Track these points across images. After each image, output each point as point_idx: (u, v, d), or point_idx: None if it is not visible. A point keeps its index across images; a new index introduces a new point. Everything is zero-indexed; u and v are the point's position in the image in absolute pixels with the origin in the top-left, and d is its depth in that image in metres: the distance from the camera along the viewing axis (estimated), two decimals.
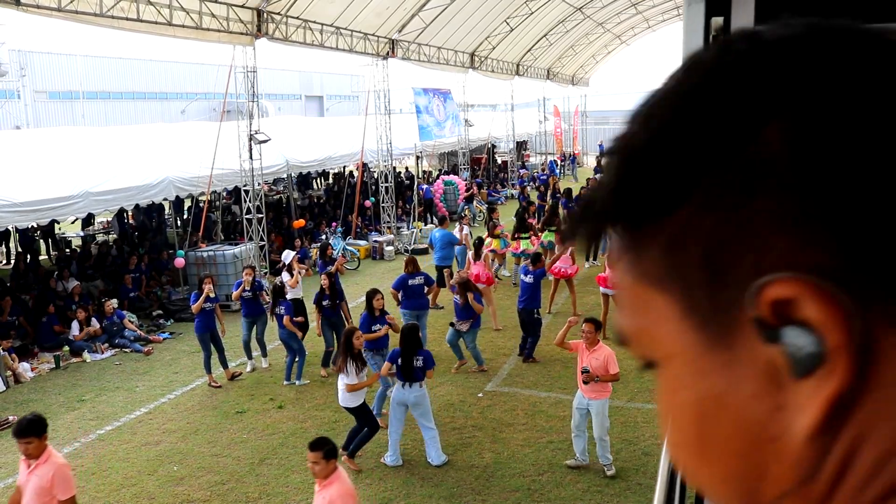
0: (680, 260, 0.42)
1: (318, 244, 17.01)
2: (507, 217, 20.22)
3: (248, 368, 11.82)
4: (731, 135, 0.40)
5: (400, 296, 11.51)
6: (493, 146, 35.33)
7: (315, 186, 31.05)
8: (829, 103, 0.38)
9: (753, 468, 0.42)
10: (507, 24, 25.14)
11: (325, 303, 11.37)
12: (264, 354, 12.08)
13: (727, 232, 0.40)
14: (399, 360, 8.31)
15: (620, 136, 0.46)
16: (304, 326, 11.73)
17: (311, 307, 12.09)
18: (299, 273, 12.67)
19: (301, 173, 22.91)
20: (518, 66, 30.55)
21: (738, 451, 0.42)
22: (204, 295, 11.08)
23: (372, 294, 10.01)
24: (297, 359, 11.18)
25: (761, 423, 0.41)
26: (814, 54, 0.40)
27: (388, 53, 20.62)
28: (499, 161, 37.91)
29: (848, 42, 0.41)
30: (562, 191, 22.15)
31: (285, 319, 10.92)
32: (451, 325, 11.17)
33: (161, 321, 14.91)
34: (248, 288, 11.71)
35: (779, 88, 0.40)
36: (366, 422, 8.41)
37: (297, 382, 11.06)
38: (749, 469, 0.42)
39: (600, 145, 42.53)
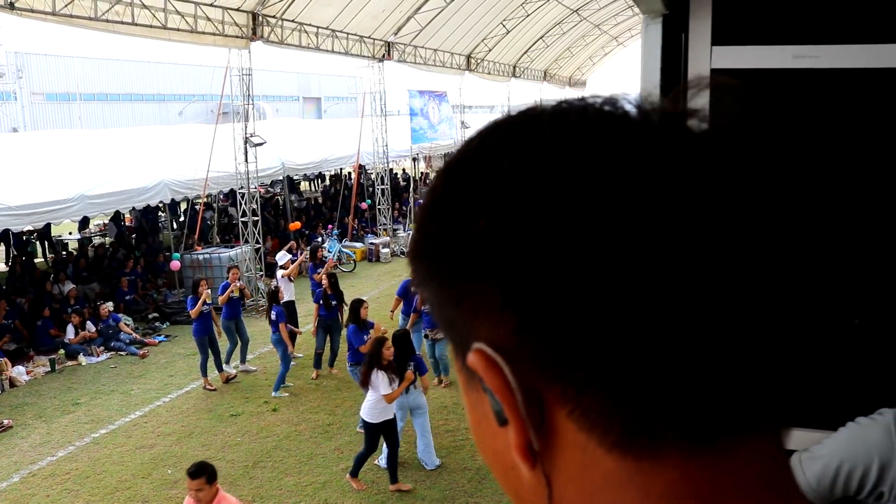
0: (442, 316, 0.49)
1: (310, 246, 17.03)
2: None
3: (232, 371, 11.84)
4: (452, 230, 0.46)
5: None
6: None
7: (310, 188, 31.05)
8: (510, 202, 0.43)
9: (512, 489, 0.48)
10: (504, 26, 25.18)
11: (329, 301, 11.38)
12: (243, 360, 12.10)
13: (456, 302, 0.46)
14: None
15: None
16: (292, 336, 11.67)
17: (304, 310, 12.13)
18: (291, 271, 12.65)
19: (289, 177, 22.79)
20: (515, 68, 30.59)
21: (500, 473, 0.49)
22: (202, 300, 11.11)
23: (358, 304, 9.75)
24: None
25: (503, 454, 0.47)
26: (502, 154, 0.45)
27: (383, 56, 20.67)
28: None
29: (533, 142, 0.45)
30: None
31: (281, 325, 10.92)
32: (426, 336, 10.73)
33: (157, 324, 14.95)
34: (236, 293, 11.74)
35: (478, 191, 0.45)
36: (369, 442, 8.09)
37: (274, 394, 10.91)
38: (511, 489, 0.49)
39: None
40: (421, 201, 0.52)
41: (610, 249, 0.40)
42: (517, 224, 0.42)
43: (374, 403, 7.86)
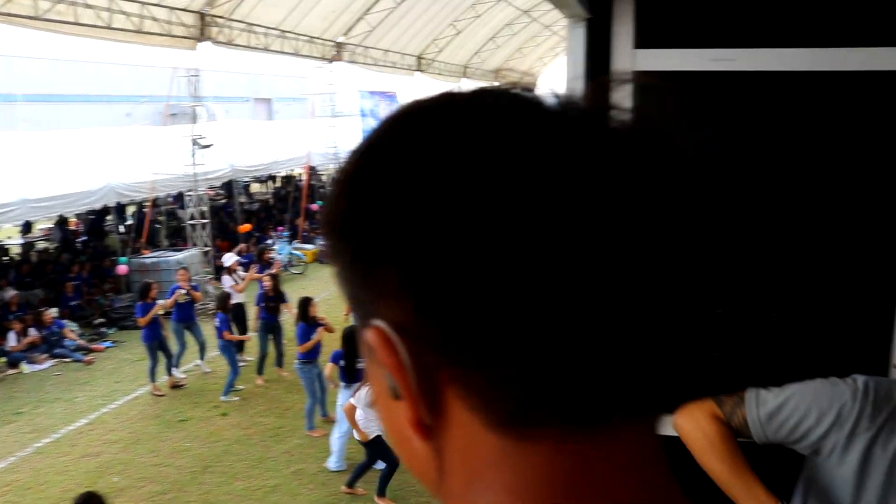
0: (349, 293, 0.51)
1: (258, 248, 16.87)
2: None
3: (181, 376, 11.68)
4: (360, 210, 0.47)
5: None
6: None
7: (263, 189, 30.73)
8: (413, 188, 0.44)
9: (409, 459, 0.50)
10: (454, 26, 25.25)
11: (270, 304, 11.28)
12: (202, 357, 11.97)
13: (362, 281, 0.48)
14: (342, 362, 8.29)
15: None
16: (240, 344, 11.55)
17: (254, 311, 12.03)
18: (240, 279, 12.54)
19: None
20: (466, 68, 30.67)
21: (398, 443, 0.51)
22: (154, 311, 10.96)
23: (307, 302, 9.57)
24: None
25: (400, 426, 0.48)
26: (409, 139, 0.46)
27: (333, 56, 20.57)
28: None
29: (440, 129, 0.46)
30: None
31: (225, 333, 10.77)
32: None
33: (103, 329, 14.65)
34: (181, 299, 11.59)
35: (386, 174, 0.46)
36: (384, 457, 7.76)
37: (223, 398, 10.76)
38: (407, 459, 0.51)
39: None
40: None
41: (501, 241, 0.41)
42: (419, 210, 0.43)
43: (363, 423, 7.63)
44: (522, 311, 0.41)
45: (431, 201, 0.43)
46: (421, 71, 26.34)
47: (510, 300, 0.41)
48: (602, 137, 0.44)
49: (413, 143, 0.46)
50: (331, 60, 20.55)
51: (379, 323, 0.46)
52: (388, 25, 21.42)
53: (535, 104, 0.46)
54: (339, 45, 20.62)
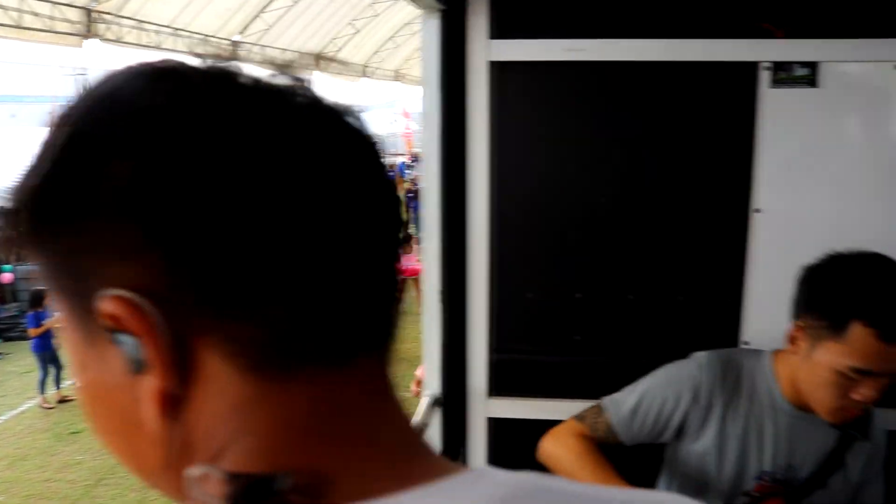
0: (56, 275, 0.49)
1: None
2: None
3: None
4: (85, 173, 0.45)
5: None
6: None
7: None
8: (154, 144, 0.44)
9: (133, 446, 0.49)
10: (353, 25, 25.11)
11: None
12: None
13: (82, 251, 0.46)
14: None
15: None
16: None
17: None
18: None
19: None
20: (365, 67, 30.56)
21: (120, 430, 0.50)
22: (51, 322, 10.51)
23: None
24: None
25: (129, 411, 0.47)
26: (150, 99, 0.47)
27: (229, 55, 20.11)
28: None
29: (187, 89, 0.48)
30: (412, 191, 22.27)
31: None
32: None
33: None
34: None
35: (115, 130, 0.45)
36: None
37: None
38: (131, 446, 0.50)
39: None
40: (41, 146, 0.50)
41: (231, 197, 0.44)
42: (161, 164, 0.43)
43: None
44: (255, 263, 0.44)
45: (174, 155, 0.44)
46: (320, 70, 26.09)
47: (253, 248, 0.44)
48: (295, 111, 0.50)
49: (149, 103, 0.46)
50: (227, 59, 20.09)
51: (118, 291, 0.44)
52: (285, 24, 21.11)
53: (246, 77, 0.53)
54: (235, 44, 20.19)
